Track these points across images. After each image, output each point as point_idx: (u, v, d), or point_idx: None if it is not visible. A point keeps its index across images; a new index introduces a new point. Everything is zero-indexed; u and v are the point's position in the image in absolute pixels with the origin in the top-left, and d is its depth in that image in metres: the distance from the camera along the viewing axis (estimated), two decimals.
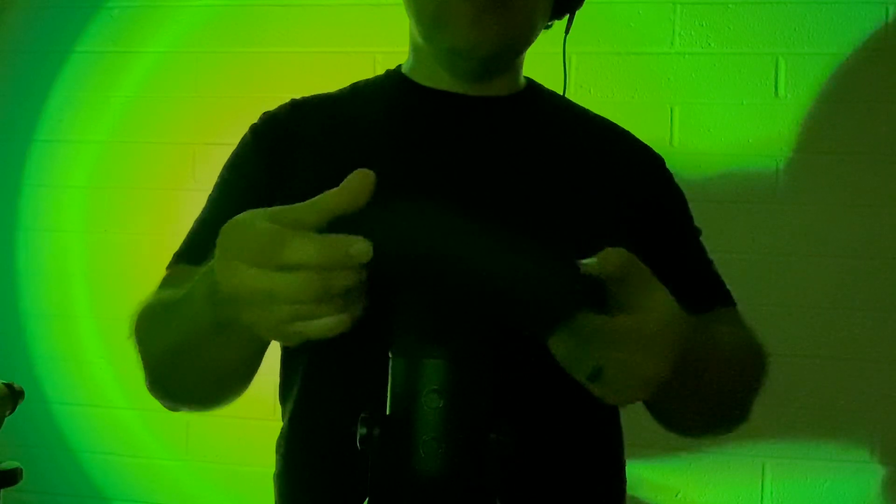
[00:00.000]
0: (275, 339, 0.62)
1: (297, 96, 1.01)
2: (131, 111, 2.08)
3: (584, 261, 0.61)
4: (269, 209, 0.57)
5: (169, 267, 0.94)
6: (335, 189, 0.55)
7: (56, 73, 2.10)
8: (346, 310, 0.56)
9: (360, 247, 0.52)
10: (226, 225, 0.58)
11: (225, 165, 0.98)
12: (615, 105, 1.86)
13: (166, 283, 0.92)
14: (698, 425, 0.92)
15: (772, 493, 1.83)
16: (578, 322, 0.61)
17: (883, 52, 1.80)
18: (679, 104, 1.87)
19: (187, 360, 0.77)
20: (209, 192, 0.98)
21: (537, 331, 0.63)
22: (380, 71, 1.03)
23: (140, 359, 0.84)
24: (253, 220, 0.56)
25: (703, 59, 1.87)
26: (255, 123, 0.98)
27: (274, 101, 1.01)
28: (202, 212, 0.96)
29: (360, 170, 0.55)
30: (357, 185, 0.55)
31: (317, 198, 0.55)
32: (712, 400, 0.83)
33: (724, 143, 1.85)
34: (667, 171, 1.02)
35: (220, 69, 2.04)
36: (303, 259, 0.52)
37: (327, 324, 0.56)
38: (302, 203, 0.56)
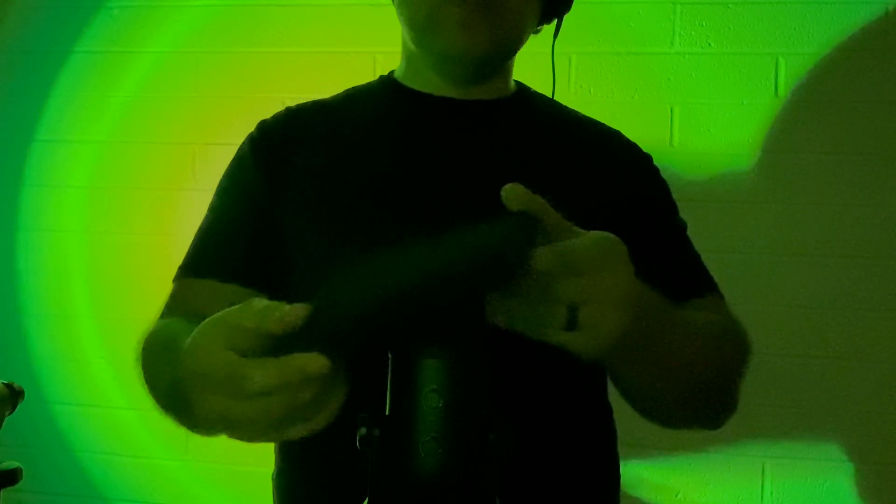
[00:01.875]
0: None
1: (297, 96, 1.02)
2: (131, 111, 2.08)
3: (505, 191, 0.61)
4: (226, 321, 0.58)
5: (175, 279, 0.95)
6: (280, 314, 0.56)
7: (56, 73, 2.11)
8: (320, 412, 0.58)
9: (315, 364, 0.54)
10: (187, 348, 0.61)
11: (224, 175, 0.99)
12: (615, 105, 1.86)
13: (173, 301, 0.94)
14: (678, 412, 0.90)
15: (772, 493, 1.83)
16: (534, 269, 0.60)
17: (883, 52, 1.80)
18: (679, 104, 1.87)
19: (186, 413, 0.77)
20: (209, 192, 0.99)
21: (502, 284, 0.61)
22: (379, 71, 1.04)
23: (146, 391, 0.85)
24: (211, 350, 0.58)
25: (703, 59, 1.87)
26: (251, 133, 0.99)
27: (274, 101, 1.01)
28: (203, 222, 0.97)
29: (300, 305, 0.56)
30: (293, 317, 0.55)
31: (266, 308, 0.57)
32: (687, 382, 0.81)
33: (724, 143, 1.85)
34: (653, 167, 1.03)
35: (220, 69, 2.04)
36: (264, 387, 0.55)
37: (302, 430, 0.60)
38: (253, 313, 0.57)
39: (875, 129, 1.80)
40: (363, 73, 1.05)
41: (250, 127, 1.00)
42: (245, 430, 0.59)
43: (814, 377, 1.80)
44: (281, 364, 0.54)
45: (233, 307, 0.59)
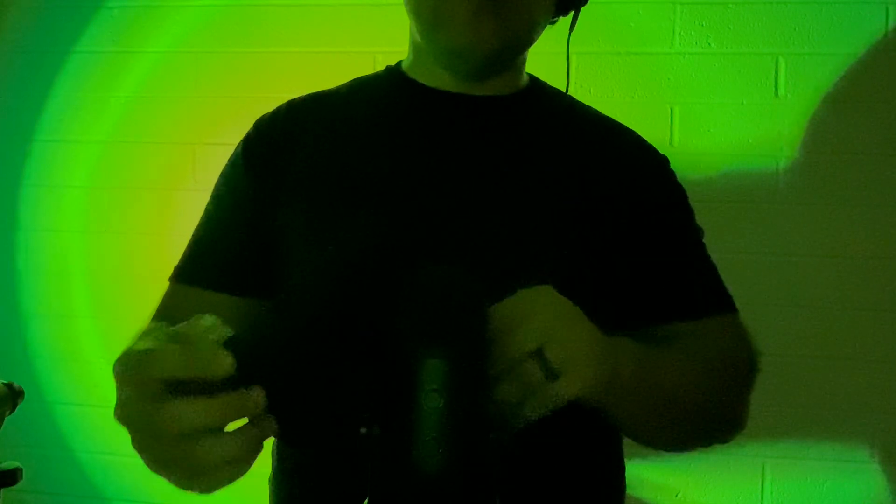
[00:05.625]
0: None
1: (297, 97, 1.00)
2: (131, 111, 2.08)
3: None
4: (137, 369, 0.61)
5: (170, 279, 0.95)
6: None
7: (56, 73, 2.10)
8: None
9: (255, 398, 0.56)
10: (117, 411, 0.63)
11: (218, 177, 0.98)
12: (615, 105, 1.84)
13: (163, 306, 0.94)
14: (675, 441, 0.89)
15: (772, 493, 1.83)
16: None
17: (883, 52, 1.80)
18: (679, 104, 1.87)
19: None
20: (209, 192, 0.98)
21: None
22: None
23: None
24: (126, 402, 0.61)
25: (703, 59, 1.86)
26: (248, 132, 0.97)
27: (274, 101, 1.01)
28: (198, 226, 0.97)
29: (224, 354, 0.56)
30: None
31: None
32: (680, 418, 0.80)
33: (724, 143, 1.85)
34: (669, 171, 1.00)
35: (220, 69, 2.04)
36: (194, 425, 0.57)
37: (231, 473, 0.63)
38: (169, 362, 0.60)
39: (875, 129, 1.80)
40: (363, 73, 1.05)
41: (250, 127, 0.99)
42: (173, 473, 0.62)
43: (814, 377, 1.80)
44: (212, 401, 0.56)
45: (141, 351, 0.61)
